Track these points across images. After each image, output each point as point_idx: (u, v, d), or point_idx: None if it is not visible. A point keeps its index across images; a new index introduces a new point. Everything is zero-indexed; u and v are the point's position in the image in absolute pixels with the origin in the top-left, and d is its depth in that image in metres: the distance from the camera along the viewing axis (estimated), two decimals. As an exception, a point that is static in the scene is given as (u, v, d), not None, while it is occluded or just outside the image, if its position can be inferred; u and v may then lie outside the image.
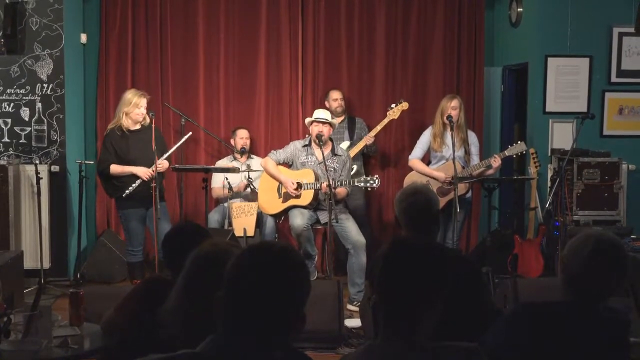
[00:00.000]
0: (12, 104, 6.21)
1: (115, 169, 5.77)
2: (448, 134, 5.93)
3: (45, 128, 6.24)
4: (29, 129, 6.24)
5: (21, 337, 3.19)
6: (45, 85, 6.23)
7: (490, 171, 5.95)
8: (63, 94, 6.28)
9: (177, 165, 6.19)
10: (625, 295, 4.41)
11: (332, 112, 6.22)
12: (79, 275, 6.13)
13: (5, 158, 6.14)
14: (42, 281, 5.81)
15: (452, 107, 5.92)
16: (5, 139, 6.26)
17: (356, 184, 5.59)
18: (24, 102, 6.23)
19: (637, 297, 4.51)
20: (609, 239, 2.41)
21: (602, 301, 2.39)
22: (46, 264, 6.02)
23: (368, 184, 5.56)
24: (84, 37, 6.67)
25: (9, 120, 6.24)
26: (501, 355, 2.34)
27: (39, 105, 6.25)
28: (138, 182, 5.70)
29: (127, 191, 5.70)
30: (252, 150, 6.66)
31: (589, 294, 2.38)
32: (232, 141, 6.59)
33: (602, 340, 2.34)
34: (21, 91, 6.21)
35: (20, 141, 6.24)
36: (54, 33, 6.24)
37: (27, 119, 6.25)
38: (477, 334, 2.45)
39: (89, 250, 6.62)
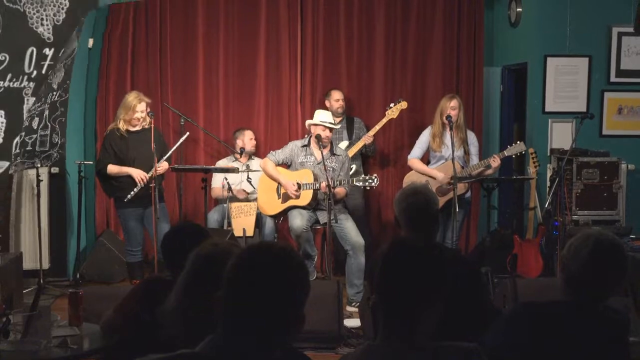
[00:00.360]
0: (29, 118, 6.22)
1: (112, 169, 5.81)
2: (447, 134, 5.93)
3: (49, 132, 6.25)
4: (36, 135, 6.25)
5: (20, 337, 3.19)
6: (54, 93, 6.24)
7: (490, 171, 5.96)
8: (67, 98, 6.29)
9: (176, 166, 6.19)
10: (625, 295, 4.42)
11: (332, 113, 6.22)
12: (78, 276, 6.13)
13: (13, 167, 6.12)
14: (42, 281, 5.81)
15: (451, 107, 5.93)
16: (17, 150, 6.26)
17: (355, 183, 5.59)
18: (36, 113, 6.24)
19: (637, 296, 4.51)
20: (609, 239, 2.41)
21: (601, 301, 2.40)
22: (45, 265, 6.01)
23: (367, 183, 5.56)
24: (90, 42, 6.68)
25: (23, 133, 6.25)
26: (501, 355, 2.34)
27: (46, 112, 6.25)
28: (139, 186, 5.72)
29: (129, 196, 5.72)
30: (255, 153, 6.64)
31: (588, 293, 2.38)
32: (239, 141, 6.54)
33: (602, 340, 2.35)
34: (37, 104, 6.22)
35: (27, 148, 6.24)
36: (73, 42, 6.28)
37: (35, 127, 6.25)
38: (477, 334, 2.45)
39: (89, 250, 6.62)
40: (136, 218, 5.90)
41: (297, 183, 5.72)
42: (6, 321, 3.13)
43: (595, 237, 2.40)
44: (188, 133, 6.24)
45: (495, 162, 5.89)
